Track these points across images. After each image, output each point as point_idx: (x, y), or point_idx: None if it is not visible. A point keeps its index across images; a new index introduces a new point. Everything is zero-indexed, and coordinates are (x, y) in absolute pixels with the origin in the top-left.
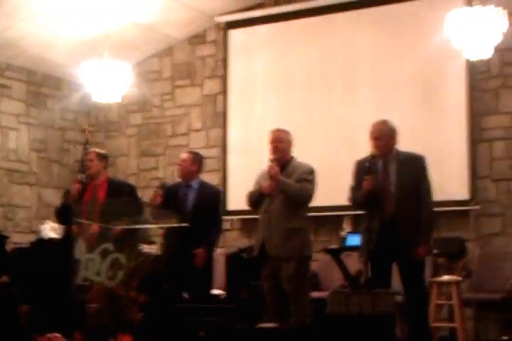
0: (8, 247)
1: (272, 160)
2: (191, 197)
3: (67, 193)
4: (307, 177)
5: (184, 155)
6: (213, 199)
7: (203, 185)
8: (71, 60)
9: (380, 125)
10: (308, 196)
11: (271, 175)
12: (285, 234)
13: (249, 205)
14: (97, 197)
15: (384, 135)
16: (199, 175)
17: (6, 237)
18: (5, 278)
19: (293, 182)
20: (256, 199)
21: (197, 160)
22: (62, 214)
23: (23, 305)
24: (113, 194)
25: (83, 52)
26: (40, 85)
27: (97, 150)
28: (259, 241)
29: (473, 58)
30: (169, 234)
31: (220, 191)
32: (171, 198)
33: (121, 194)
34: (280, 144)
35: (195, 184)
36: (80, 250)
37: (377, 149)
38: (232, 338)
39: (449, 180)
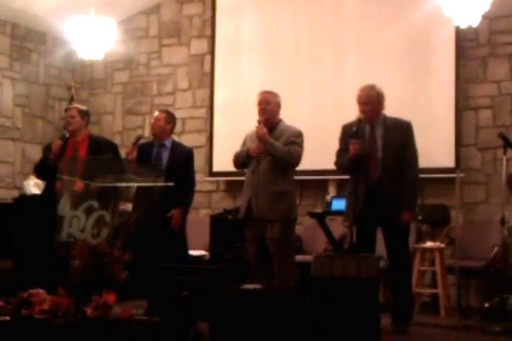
0: None
1: (260, 122)
2: (165, 156)
3: (46, 148)
4: (295, 139)
5: (158, 114)
6: (187, 158)
7: (176, 145)
8: (56, 14)
9: (367, 90)
10: (296, 159)
11: (259, 136)
12: (271, 197)
13: (235, 166)
14: (79, 154)
15: (371, 100)
16: (171, 135)
17: None
18: None
19: (281, 144)
20: (243, 160)
21: (171, 119)
22: (42, 170)
23: (5, 260)
24: (94, 151)
25: (68, 6)
26: (23, 39)
27: (79, 106)
28: (245, 203)
29: (463, 25)
30: (140, 193)
31: (192, 150)
32: (143, 156)
33: (103, 151)
34: (268, 106)
35: (168, 143)
36: (64, 207)
37: (364, 114)
38: (216, 299)
39: (435, 147)
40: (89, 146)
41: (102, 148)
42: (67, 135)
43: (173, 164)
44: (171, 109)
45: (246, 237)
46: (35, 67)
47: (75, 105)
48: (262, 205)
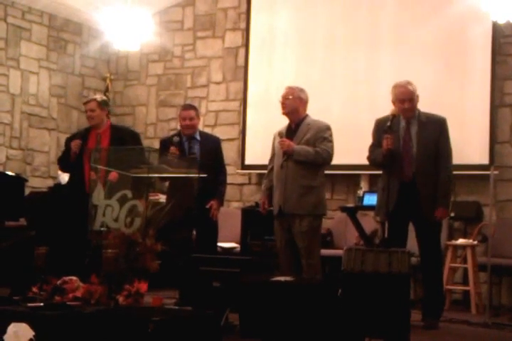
0: (26, 191)
1: (281, 134)
2: (197, 149)
3: (68, 140)
4: (325, 134)
5: (188, 112)
6: (217, 148)
7: (204, 136)
8: (92, 5)
9: (407, 85)
10: (328, 157)
11: (285, 151)
12: (300, 191)
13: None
14: (102, 145)
15: (414, 96)
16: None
17: (25, 180)
18: (22, 221)
19: (307, 148)
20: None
21: (199, 112)
22: (64, 163)
23: (40, 247)
24: (117, 141)
25: None
26: (60, 30)
27: (97, 98)
28: (277, 200)
29: (500, 21)
30: (176, 184)
31: (219, 139)
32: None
33: (125, 141)
34: (287, 100)
35: (197, 136)
36: (99, 196)
37: (409, 111)
38: (248, 290)
39: (469, 144)
40: (111, 137)
41: (124, 138)
42: (81, 131)
43: (206, 155)
44: (205, 102)
45: (275, 231)
46: (71, 57)
47: (93, 97)
48: (291, 199)
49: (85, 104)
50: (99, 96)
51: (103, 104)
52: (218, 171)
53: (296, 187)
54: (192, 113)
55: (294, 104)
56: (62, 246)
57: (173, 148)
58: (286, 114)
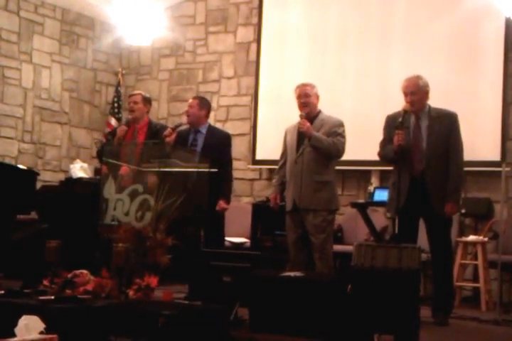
0: (38, 185)
1: (302, 116)
2: (200, 142)
3: (110, 134)
4: (338, 130)
5: (190, 101)
6: (222, 143)
7: (212, 130)
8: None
9: (415, 79)
10: (341, 150)
11: (303, 132)
12: (315, 186)
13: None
14: (137, 140)
15: (419, 89)
16: (207, 120)
17: (37, 174)
18: (33, 215)
19: (324, 137)
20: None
21: (204, 104)
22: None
23: (52, 240)
24: (152, 137)
25: None
26: (73, 24)
27: (143, 92)
28: (291, 195)
29: None
30: (183, 178)
31: (229, 134)
32: (181, 143)
33: (158, 137)
34: (308, 98)
35: (203, 129)
36: (110, 190)
37: (412, 104)
38: (257, 285)
39: (481, 141)
40: (148, 133)
41: (159, 135)
42: (129, 121)
43: (209, 149)
44: (216, 97)
45: (287, 225)
46: (83, 52)
47: (139, 91)
48: (305, 195)
49: (130, 96)
50: (144, 92)
51: (146, 100)
52: (224, 166)
53: (311, 183)
54: (192, 102)
55: (315, 101)
56: (73, 239)
57: (168, 131)
58: (309, 112)
